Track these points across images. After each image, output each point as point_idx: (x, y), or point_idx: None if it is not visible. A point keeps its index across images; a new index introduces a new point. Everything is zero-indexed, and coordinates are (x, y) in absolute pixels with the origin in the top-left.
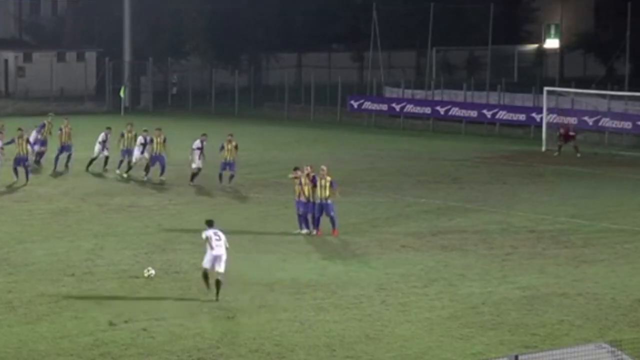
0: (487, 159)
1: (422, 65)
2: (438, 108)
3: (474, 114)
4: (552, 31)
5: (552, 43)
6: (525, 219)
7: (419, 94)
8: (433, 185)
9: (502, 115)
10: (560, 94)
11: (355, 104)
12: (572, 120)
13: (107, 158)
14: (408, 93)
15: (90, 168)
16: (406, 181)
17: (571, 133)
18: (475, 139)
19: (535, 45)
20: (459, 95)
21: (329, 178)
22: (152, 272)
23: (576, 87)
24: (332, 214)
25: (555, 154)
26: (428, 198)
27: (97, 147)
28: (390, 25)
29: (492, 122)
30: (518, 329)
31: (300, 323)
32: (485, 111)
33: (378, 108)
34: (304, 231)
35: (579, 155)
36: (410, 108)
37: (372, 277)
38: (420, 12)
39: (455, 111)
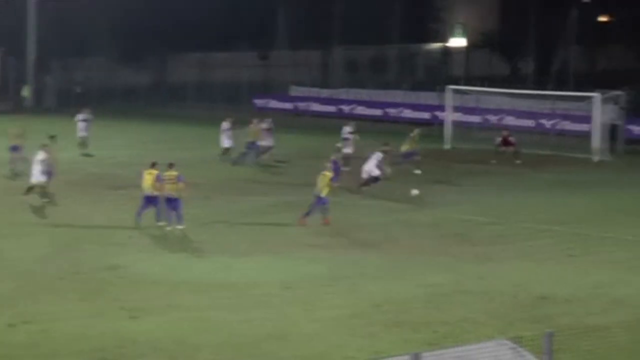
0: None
1: (328, 63)
2: (343, 107)
3: (378, 112)
4: (458, 30)
5: (458, 42)
6: (430, 217)
7: (325, 92)
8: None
9: (407, 113)
10: (465, 92)
11: (261, 103)
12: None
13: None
14: (314, 92)
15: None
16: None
17: (511, 139)
18: (380, 138)
19: (442, 44)
20: (364, 94)
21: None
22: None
23: (481, 85)
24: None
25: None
26: (333, 197)
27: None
28: (296, 23)
29: (397, 120)
30: (421, 326)
31: (205, 322)
32: (389, 109)
33: (283, 107)
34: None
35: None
36: (315, 107)
37: (278, 276)
38: (325, 10)
39: (360, 110)
